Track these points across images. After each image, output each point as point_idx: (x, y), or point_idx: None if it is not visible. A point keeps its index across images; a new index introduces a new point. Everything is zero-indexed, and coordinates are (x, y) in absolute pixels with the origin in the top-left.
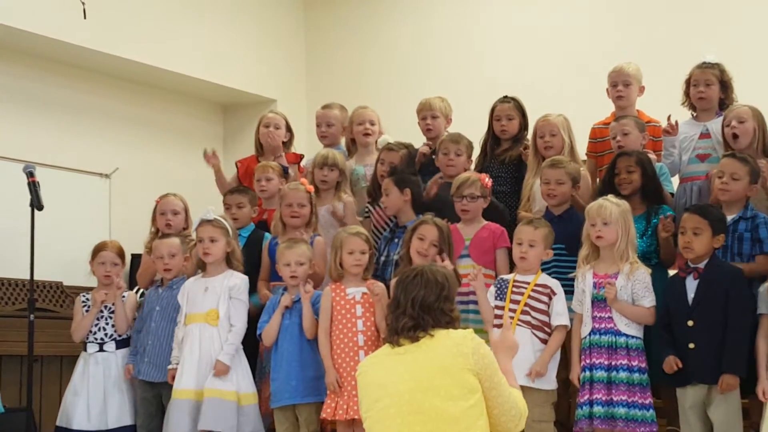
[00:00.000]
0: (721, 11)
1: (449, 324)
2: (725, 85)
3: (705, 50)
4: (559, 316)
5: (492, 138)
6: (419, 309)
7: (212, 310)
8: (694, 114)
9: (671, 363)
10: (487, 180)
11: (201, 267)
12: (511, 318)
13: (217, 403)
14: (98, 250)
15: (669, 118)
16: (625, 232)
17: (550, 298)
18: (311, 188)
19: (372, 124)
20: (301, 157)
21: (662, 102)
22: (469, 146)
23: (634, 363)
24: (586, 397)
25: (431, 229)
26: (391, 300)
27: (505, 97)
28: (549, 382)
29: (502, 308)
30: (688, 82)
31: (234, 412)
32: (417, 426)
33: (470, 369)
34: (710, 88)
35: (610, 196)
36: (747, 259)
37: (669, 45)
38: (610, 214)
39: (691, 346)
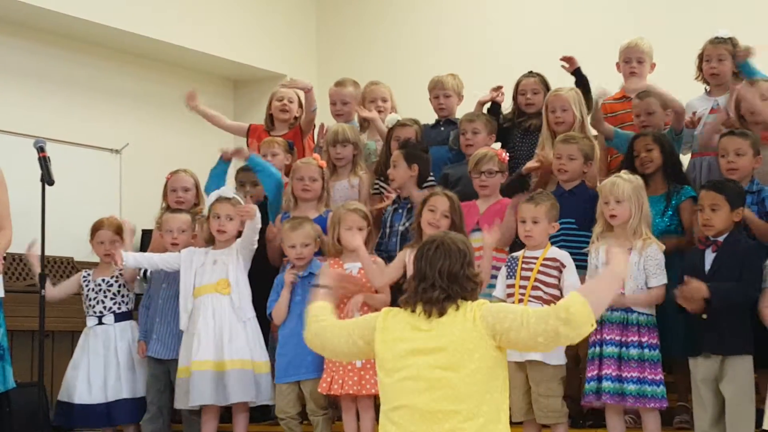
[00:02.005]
0: None
1: (475, 289)
2: None
3: (717, 27)
4: (573, 288)
5: (517, 111)
6: (447, 280)
7: (222, 279)
8: (708, 89)
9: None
10: (504, 155)
11: (210, 241)
12: (522, 295)
13: (239, 374)
14: (96, 229)
15: (694, 114)
16: (638, 209)
17: (560, 272)
18: (323, 163)
19: (384, 101)
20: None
21: (674, 80)
22: (488, 123)
23: (645, 339)
24: (594, 372)
25: (442, 200)
26: (415, 272)
27: (530, 72)
28: (557, 357)
29: (513, 286)
30: (700, 57)
31: (252, 381)
32: (434, 403)
33: (484, 334)
34: (723, 63)
35: (623, 173)
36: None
37: (681, 22)
38: (623, 192)
39: (704, 316)
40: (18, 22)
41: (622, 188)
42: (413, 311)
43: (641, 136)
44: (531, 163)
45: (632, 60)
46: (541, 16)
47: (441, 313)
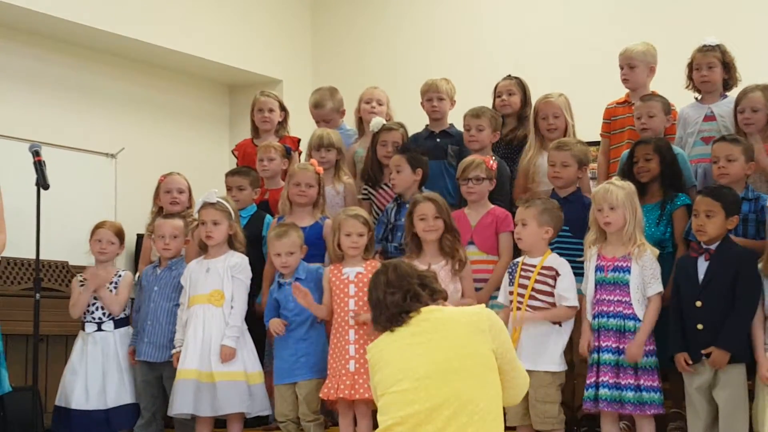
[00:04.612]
0: None
1: (440, 295)
2: (728, 66)
3: (713, 31)
4: (563, 299)
5: None
6: (407, 279)
7: (216, 290)
8: (698, 97)
9: (681, 361)
10: (492, 162)
11: (203, 249)
12: (520, 303)
13: (229, 385)
14: (97, 227)
15: None
16: (633, 215)
17: (555, 280)
18: (321, 170)
19: (380, 104)
20: (299, 141)
21: (679, 83)
22: (493, 119)
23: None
24: (593, 379)
25: (428, 206)
26: (370, 296)
27: (508, 75)
28: (557, 364)
29: (513, 293)
30: (690, 66)
31: (246, 392)
32: (434, 412)
33: (489, 346)
34: (713, 71)
35: (615, 179)
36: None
37: (683, 25)
38: (617, 198)
39: (700, 327)
40: (13, 25)
41: (616, 195)
42: (392, 331)
43: (643, 144)
44: None
45: (624, 67)
46: (535, 21)
47: (410, 316)
